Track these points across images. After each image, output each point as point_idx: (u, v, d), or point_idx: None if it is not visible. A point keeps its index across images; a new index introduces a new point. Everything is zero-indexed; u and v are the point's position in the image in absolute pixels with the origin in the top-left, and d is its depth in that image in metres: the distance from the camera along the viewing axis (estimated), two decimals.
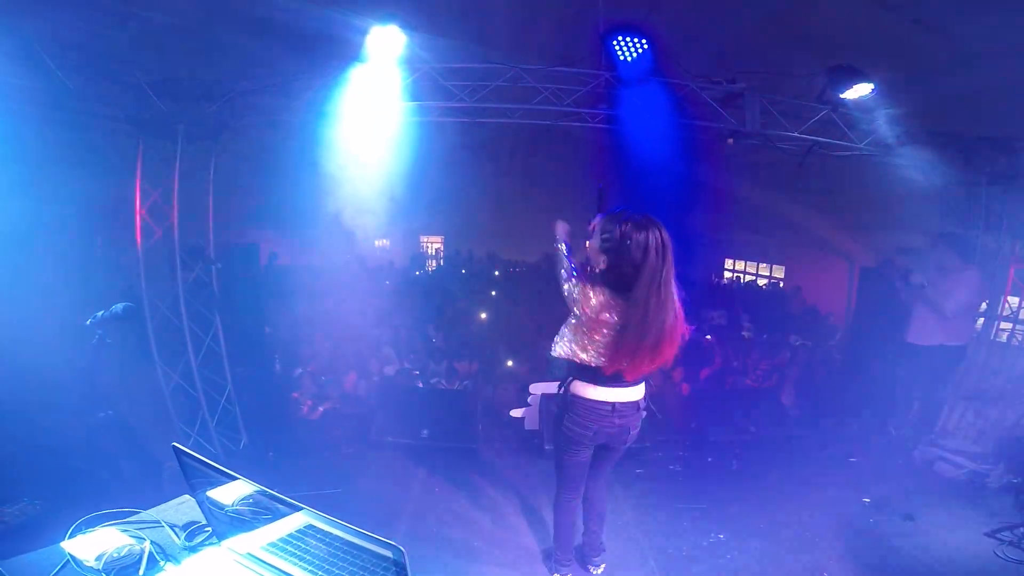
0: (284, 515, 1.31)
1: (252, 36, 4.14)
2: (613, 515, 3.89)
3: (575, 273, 2.62)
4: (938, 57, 4.49)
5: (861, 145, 5.07)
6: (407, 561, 1.02)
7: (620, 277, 2.47)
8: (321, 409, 5.67)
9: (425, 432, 5.04)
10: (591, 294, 2.50)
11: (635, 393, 2.70)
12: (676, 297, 2.48)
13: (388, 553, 1.07)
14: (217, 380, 4.91)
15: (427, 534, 3.63)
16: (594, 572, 3.15)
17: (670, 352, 2.52)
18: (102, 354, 2.64)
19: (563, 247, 2.73)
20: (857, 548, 3.48)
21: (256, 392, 5.23)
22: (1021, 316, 5.38)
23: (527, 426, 5.47)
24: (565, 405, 2.73)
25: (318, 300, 5.73)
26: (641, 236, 2.42)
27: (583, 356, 2.55)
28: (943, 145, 5.11)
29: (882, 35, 4.51)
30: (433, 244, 14.34)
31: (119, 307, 2.18)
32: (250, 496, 1.35)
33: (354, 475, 4.47)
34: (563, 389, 2.74)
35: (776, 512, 3.91)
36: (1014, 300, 5.43)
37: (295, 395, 5.67)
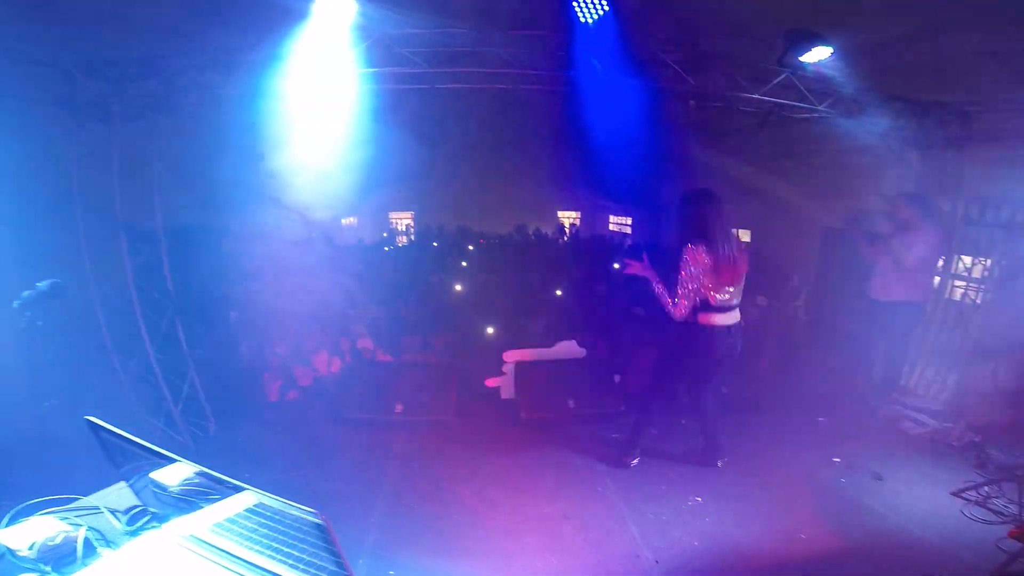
0: (226, 495, 1.28)
1: (188, 8, 3.90)
2: (591, 481, 3.98)
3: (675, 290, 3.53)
4: (897, 23, 4.51)
5: (820, 107, 5.11)
6: (330, 526, 1.09)
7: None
8: (292, 392, 5.59)
9: (399, 407, 5.01)
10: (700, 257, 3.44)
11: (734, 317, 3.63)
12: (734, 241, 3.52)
13: (313, 521, 1.10)
14: (178, 367, 4.77)
15: (406, 510, 3.63)
16: (721, 464, 4.07)
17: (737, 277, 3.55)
18: (36, 339, 2.50)
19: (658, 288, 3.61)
20: (830, 509, 3.57)
21: (223, 377, 5.11)
22: (974, 275, 5.58)
23: (503, 395, 5.50)
24: (690, 335, 3.60)
25: (283, 280, 5.59)
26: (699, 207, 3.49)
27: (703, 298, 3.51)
28: (899, 110, 5.18)
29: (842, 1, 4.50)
30: (403, 220, 14.14)
31: (44, 284, 2.05)
32: (191, 478, 1.31)
33: (328, 455, 4.42)
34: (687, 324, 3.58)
35: (750, 474, 4.00)
36: (967, 259, 5.62)
37: (273, 379, 5.57)
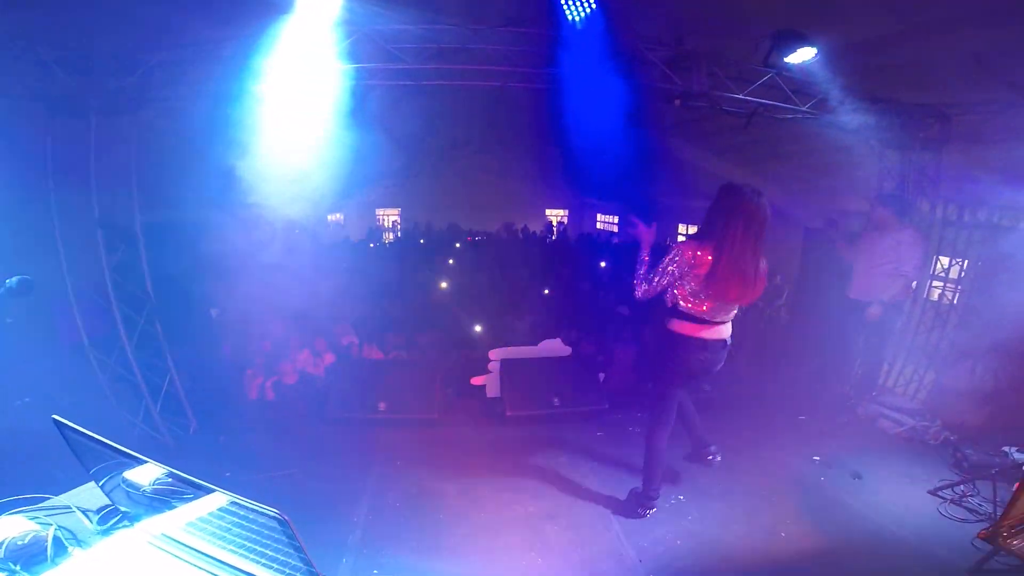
0: (198, 496, 1.26)
1: (169, 3, 3.84)
2: (575, 479, 3.99)
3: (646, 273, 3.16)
4: (880, 25, 4.58)
5: (804, 108, 5.17)
6: (290, 523, 1.11)
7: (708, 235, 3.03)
8: (273, 390, 5.53)
9: (382, 405, 4.99)
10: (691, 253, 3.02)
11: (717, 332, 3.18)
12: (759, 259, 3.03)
13: (274, 518, 1.12)
14: (157, 365, 4.70)
15: (390, 509, 3.62)
16: (716, 460, 3.73)
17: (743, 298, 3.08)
18: (4, 336, 2.44)
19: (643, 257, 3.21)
20: (811, 507, 3.62)
21: (204, 375, 5.03)
22: (951, 275, 5.68)
23: (489, 393, 5.50)
24: (667, 344, 3.23)
25: (267, 277, 5.52)
26: (727, 202, 3.00)
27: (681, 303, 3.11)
28: (881, 111, 5.27)
29: (829, 1, 4.55)
30: (390, 217, 14.06)
31: (12, 281, 1.99)
32: (161, 478, 1.29)
33: (311, 454, 4.39)
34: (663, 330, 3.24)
35: (733, 472, 4.02)
36: (944, 260, 5.72)
37: (253, 377, 5.50)
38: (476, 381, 5.59)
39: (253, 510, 1.12)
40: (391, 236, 13.17)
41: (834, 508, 3.62)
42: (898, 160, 5.70)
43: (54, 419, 1.22)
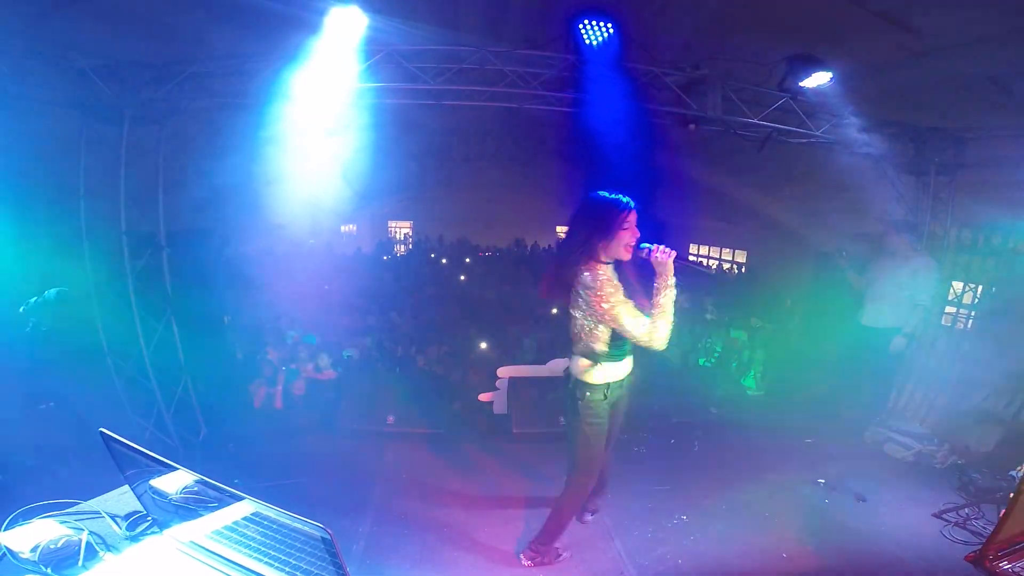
0: (226, 504, 1.29)
1: (203, 17, 3.97)
2: None
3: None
4: (896, 49, 4.61)
5: (818, 132, 5.19)
6: (335, 541, 1.09)
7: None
8: (281, 400, 5.56)
9: (391, 418, 5.02)
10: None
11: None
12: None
13: (319, 535, 1.11)
14: (172, 370, 4.76)
15: (395, 520, 3.62)
16: (589, 519, 3.42)
17: None
18: (37, 342, 2.52)
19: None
20: (813, 528, 3.58)
21: (215, 382, 5.08)
22: (964, 301, 5.64)
23: (496, 410, 5.50)
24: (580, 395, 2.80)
25: (280, 287, 5.60)
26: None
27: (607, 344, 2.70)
28: (896, 135, 5.28)
29: (844, 26, 4.59)
30: (402, 229, 14.17)
31: (51, 292, 2.09)
32: (190, 485, 1.32)
33: (319, 464, 4.41)
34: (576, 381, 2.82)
35: (737, 493, 3.99)
36: (958, 285, 5.69)
37: (259, 386, 5.55)
38: (484, 398, 5.60)
39: (287, 523, 1.14)
40: (402, 248, 13.26)
41: (837, 530, 3.59)
42: (912, 184, 5.69)
43: (101, 432, 1.27)
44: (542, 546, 3.14)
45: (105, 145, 4.16)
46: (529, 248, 12.80)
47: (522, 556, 3.17)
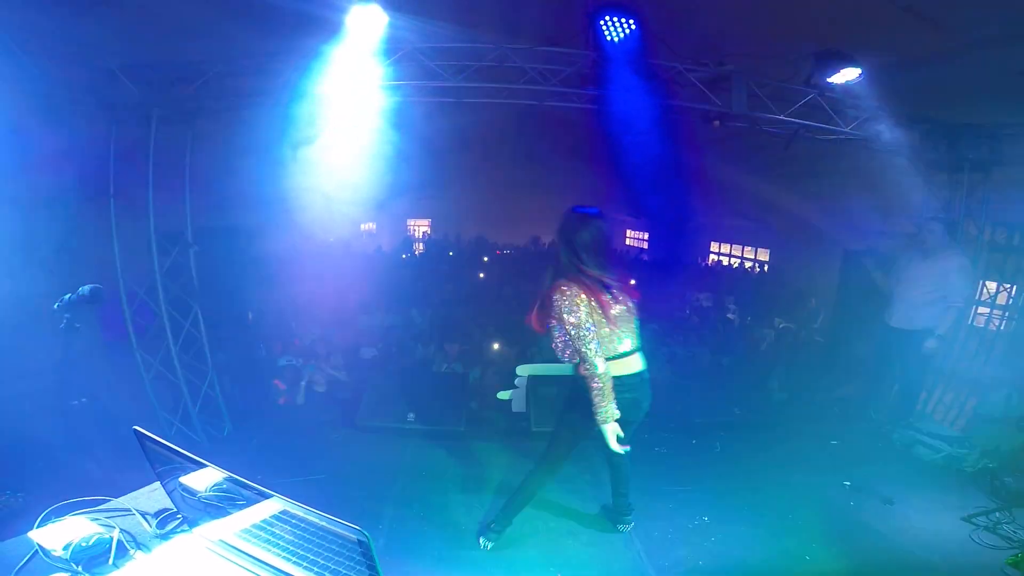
0: (255, 502, 1.30)
1: (228, 17, 4.02)
2: (599, 496, 3.92)
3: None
4: (926, 45, 4.48)
5: (847, 129, 5.06)
6: (372, 543, 1.09)
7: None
8: (304, 395, 5.64)
9: (411, 415, 5.04)
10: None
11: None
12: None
13: (355, 537, 1.10)
14: (198, 366, 4.85)
15: (414, 518, 3.63)
16: (627, 529, 3.48)
17: None
18: (71, 339, 2.59)
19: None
20: (838, 531, 3.51)
21: (240, 378, 5.16)
22: (998, 301, 5.47)
23: (514, 408, 5.49)
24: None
25: (303, 284, 5.67)
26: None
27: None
28: (928, 131, 5.13)
29: (872, 21, 4.48)
30: (420, 227, 14.27)
31: (86, 289, 2.13)
32: (220, 483, 1.33)
33: (340, 461, 4.45)
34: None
35: (759, 494, 3.94)
36: (991, 285, 5.51)
37: (280, 384, 5.63)
38: (503, 396, 5.60)
39: (317, 523, 1.14)
40: (421, 247, 13.36)
41: (862, 533, 3.52)
42: (945, 182, 5.53)
43: (135, 431, 1.28)
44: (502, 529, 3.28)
45: (135, 144, 4.24)
46: (547, 246, 12.77)
47: (482, 539, 3.29)
